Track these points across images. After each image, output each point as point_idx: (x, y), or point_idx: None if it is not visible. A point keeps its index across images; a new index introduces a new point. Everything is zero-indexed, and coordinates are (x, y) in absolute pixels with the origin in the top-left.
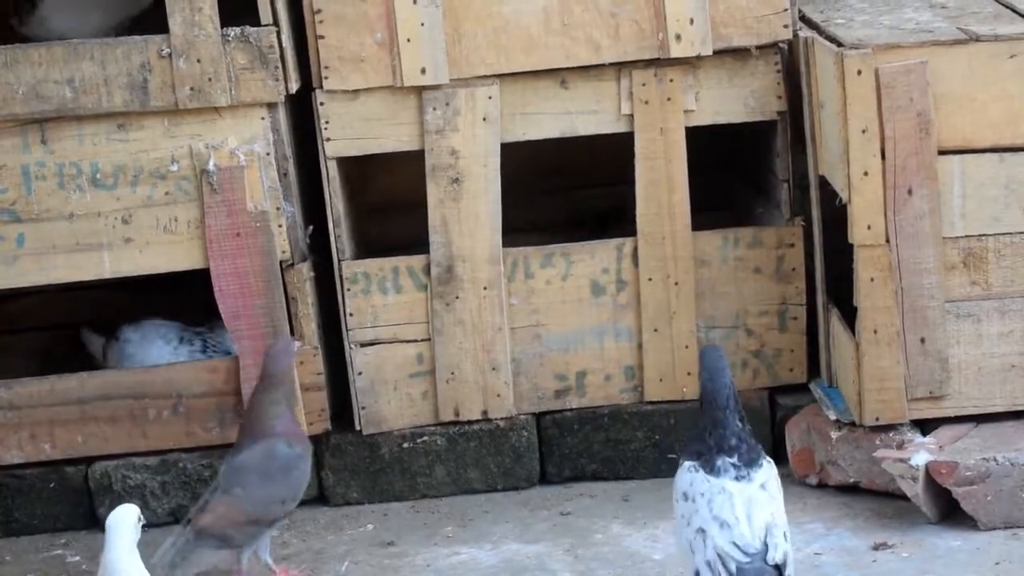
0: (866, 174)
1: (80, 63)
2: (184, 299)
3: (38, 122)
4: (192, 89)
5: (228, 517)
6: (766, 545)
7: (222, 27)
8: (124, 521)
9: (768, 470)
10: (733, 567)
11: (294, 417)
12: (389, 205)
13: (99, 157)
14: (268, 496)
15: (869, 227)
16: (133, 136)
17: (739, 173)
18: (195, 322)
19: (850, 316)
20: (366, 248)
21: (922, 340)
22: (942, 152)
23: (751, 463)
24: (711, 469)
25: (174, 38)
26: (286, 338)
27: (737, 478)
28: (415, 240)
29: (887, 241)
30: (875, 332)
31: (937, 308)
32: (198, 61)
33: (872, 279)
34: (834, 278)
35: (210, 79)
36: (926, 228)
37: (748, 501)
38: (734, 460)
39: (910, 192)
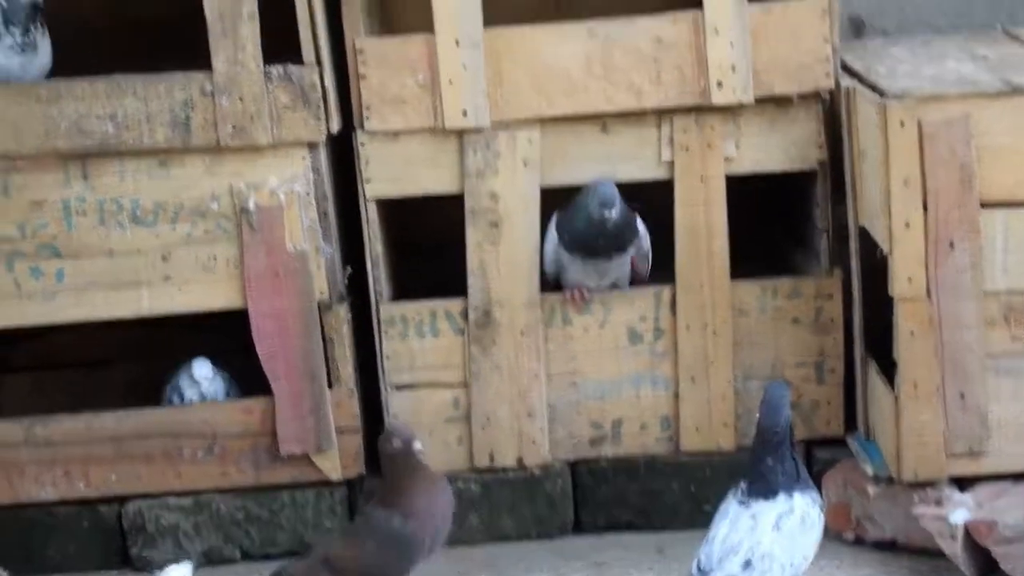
0: (907, 226)
1: (123, 99)
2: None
3: (80, 157)
4: (234, 127)
5: None
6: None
7: (264, 65)
8: None
9: (775, 505)
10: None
11: None
12: (422, 244)
13: (140, 194)
14: None
15: (910, 280)
16: (174, 173)
17: (778, 223)
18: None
19: (888, 369)
20: (399, 287)
21: (962, 395)
22: (985, 205)
23: (754, 493)
24: (735, 490)
25: (217, 75)
26: (401, 427)
27: (739, 502)
28: (448, 279)
29: (928, 294)
30: (915, 386)
31: (977, 363)
32: (240, 99)
33: (912, 332)
34: (872, 330)
35: (252, 117)
36: (967, 282)
37: (732, 523)
38: (743, 486)
39: (952, 245)
